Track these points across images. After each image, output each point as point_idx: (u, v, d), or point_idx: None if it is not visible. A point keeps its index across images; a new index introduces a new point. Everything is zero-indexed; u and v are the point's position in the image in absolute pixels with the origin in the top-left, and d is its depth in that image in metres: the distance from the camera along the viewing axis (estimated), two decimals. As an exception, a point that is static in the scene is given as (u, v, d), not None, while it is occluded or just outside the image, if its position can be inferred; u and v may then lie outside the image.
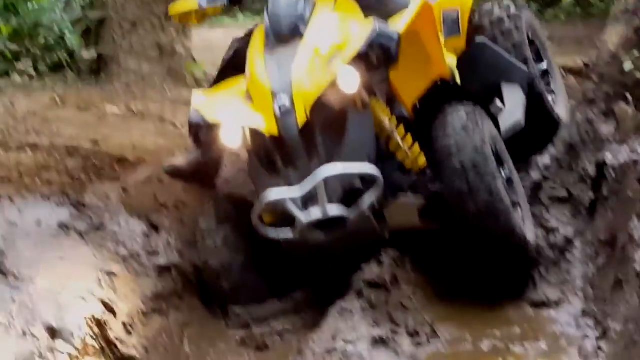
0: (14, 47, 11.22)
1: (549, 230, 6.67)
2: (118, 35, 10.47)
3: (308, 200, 5.44)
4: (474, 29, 7.14)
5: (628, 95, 7.03)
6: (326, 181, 5.38)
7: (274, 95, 5.51)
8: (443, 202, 5.80)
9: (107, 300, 5.14)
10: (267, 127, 5.50)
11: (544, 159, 7.18)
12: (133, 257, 5.86)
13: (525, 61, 7.04)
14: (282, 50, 5.74)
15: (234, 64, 6.32)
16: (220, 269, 5.98)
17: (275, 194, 5.45)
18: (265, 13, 5.98)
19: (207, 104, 5.79)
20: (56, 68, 11.18)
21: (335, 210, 5.43)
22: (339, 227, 5.49)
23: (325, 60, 5.58)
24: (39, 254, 5.30)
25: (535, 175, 7.06)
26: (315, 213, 5.41)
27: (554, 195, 6.93)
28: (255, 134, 5.58)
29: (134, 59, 10.47)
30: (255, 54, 5.88)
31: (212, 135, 5.65)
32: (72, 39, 11.54)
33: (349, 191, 5.52)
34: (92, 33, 11.11)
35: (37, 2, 13.10)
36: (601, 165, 6.51)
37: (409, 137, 5.89)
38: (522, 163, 7.03)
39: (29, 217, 5.72)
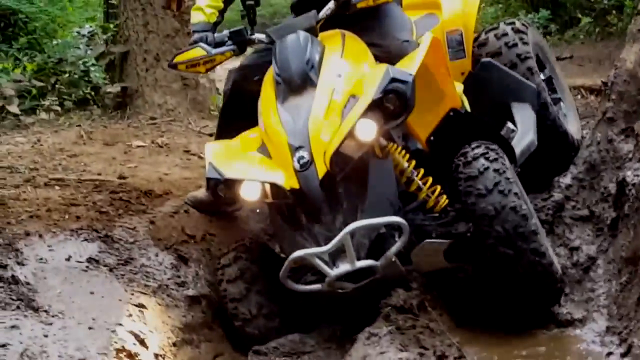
0: (39, 83, 11.27)
1: (572, 249, 6.69)
2: (141, 69, 10.54)
3: (336, 255, 5.32)
4: (479, 45, 7.17)
5: (648, 113, 7.06)
6: (353, 234, 5.26)
7: (292, 148, 5.46)
8: (469, 244, 5.76)
9: (137, 332, 5.16)
10: (287, 181, 5.43)
11: (566, 179, 7.20)
12: (162, 289, 5.87)
13: (535, 82, 7.00)
14: (295, 100, 5.69)
15: (235, 97, 6.39)
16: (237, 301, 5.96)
17: (303, 252, 5.32)
18: (273, 60, 5.94)
19: (223, 158, 5.76)
20: (81, 103, 11.24)
21: (363, 263, 5.32)
22: (367, 276, 5.40)
23: (339, 108, 5.56)
24: (69, 289, 5.32)
25: (557, 195, 7.09)
26: (344, 267, 5.30)
27: (576, 214, 6.94)
28: (275, 188, 5.53)
29: (158, 93, 10.51)
30: (268, 105, 5.84)
31: (231, 190, 5.62)
32: (97, 74, 11.62)
33: (375, 241, 5.45)
34: (115, 67, 11.17)
35: (61, 37, 13.21)
36: (622, 184, 6.51)
37: (429, 178, 5.88)
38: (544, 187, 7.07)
39: (58, 253, 5.69)
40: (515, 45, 7.09)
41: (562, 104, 7.49)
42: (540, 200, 6.94)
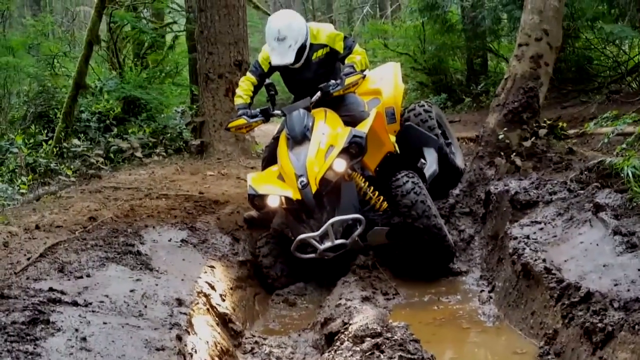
0: (152, 140, 11.32)
1: (460, 231, 6.77)
2: (212, 130, 10.60)
3: (323, 237, 5.69)
4: (404, 119, 7.21)
5: (501, 153, 7.11)
6: (332, 225, 5.65)
7: (297, 176, 5.75)
8: (401, 229, 5.96)
9: (210, 282, 5.16)
10: (295, 195, 5.75)
11: (456, 191, 7.25)
12: (224, 257, 5.91)
13: (436, 135, 7.08)
14: (299, 149, 5.93)
15: (269, 158, 6.49)
16: (268, 268, 6.19)
17: (304, 235, 5.73)
18: (285, 125, 6.18)
19: (257, 182, 6.05)
20: (177, 151, 11.28)
21: (338, 241, 5.68)
22: (341, 248, 5.75)
23: (323, 153, 5.80)
24: (170, 257, 5.34)
25: (451, 200, 7.15)
26: (327, 244, 5.68)
27: (462, 211, 7.06)
28: (288, 199, 5.81)
29: (221, 144, 10.52)
30: (283, 152, 6.06)
31: (262, 201, 5.95)
32: (186, 134, 11.67)
33: (345, 228, 5.78)
34: (197, 130, 11.21)
35: (166, 113, 13.23)
36: (488, 193, 6.60)
37: (376, 192, 6.08)
38: (443, 196, 7.18)
39: (164, 236, 5.78)
40: (425, 118, 7.20)
41: (452, 147, 7.59)
42: (441, 203, 7.09)
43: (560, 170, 6.55)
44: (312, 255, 5.81)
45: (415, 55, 16.54)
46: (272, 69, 6.48)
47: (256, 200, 5.98)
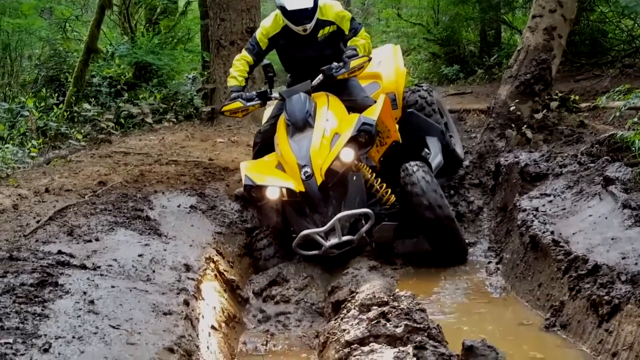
0: (163, 106, 11.32)
1: (469, 202, 6.75)
2: (223, 98, 10.51)
3: (328, 233, 5.25)
4: (405, 105, 6.89)
5: (512, 125, 7.08)
6: (339, 220, 5.20)
7: (299, 166, 5.35)
8: (411, 224, 5.72)
9: (217, 248, 5.17)
10: (297, 187, 5.34)
11: (465, 162, 7.22)
12: (232, 224, 5.86)
13: (436, 120, 6.81)
14: (300, 136, 5.56)
15: (262, 146, 6.06)
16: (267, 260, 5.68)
17: (308, 231, 5.27)
18: (285, 111, 5.81)
19: (253, 171, 5.63)
20: (188, 117, 11.29)
21: (345, 238, 5.25)
22: (347, 245, 5.32)
23: (328, 141, 5.45)
24: (179, 223, 5.33)
25: (461, 171, 7.12)
26: (333, 240, 5.23)
27: (471, 182, 7.04)
28: (290, 191, 5.42)
29: (232, 111, 10.55)
30: (282, 139, 5.67)
31: (260, 193, 5.52)
32: (197, 100, 11.65)
33: (352, 223, 5.36)
34: (208, 97, 11.18)
35: (177, 79, 13.22)
36: (498, 165, 6.58)
37: (383, 184, 5.73)
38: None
39: (173, 202, 5.76)
40: (424, 105, 6.91)
41: (453, 138, 7.17)
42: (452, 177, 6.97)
43: (571, 143, 6.53)
44: (316, 252, 5.35)
45: (429, 26, 16.47)
46: (270, 47, 6.14)
47: (253, 191, 5.56)
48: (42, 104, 10.46)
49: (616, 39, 12.23)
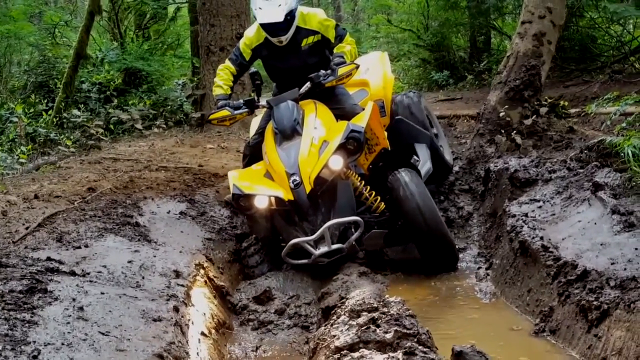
0: (153, 112, 11.31)
1: (459, 208, 6.76)
2: (212, 104, 10.50)
3: (318, 241, 5.22)
4: (393, 112, 6.75)
5: (502, 130, 7.11)
6: (329, 228, 5.17)
7: (288, 175, 5.31)
8: (401, 232, 5.69)
9: (207, 254, 5.16)
10: (286, 195, 5.29)
11: (455, 168, 7.24)
12: (222, 230, 5.86)
13: (425, 127, 6.68)
14: (288, 144, 5.51)
15: (251, 157, 6.01)
16: (257, 275, 5.50)
17: (297, 240, 5.23)
18: (272, 119, 5.76)
19: (241, 180, 5.57)
20: (178, 124, 11.31)
21: (335, 246, 5.22)
22: (337, 254, 5.28)
23: (317, 149, 5.41)
24: (169, 229, 5.33)
25: (451, 177, 7.14)
26: (323, 249, 5.20)
27: (461, 188, 7.06)
28: (278, 200, 5.36)
29: (222, 118, 10.56)
30: (270, 147, 5.63)
31: (249, 202, 5.43)
32: (187, 106, 11.67)
33: (342, 232, 5.33)
34: (198, 103, 11.19)
35: (167, 85, 13.22)
36: (487, 171, 6.60)
37: (372, 192, 5.70)
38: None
39: (162, 208, 5.76)
40: (413, 111, 6.78)
41: (442, 146, 7.04)
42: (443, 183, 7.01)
43: (561, 149, 6.56)
44: (306, 261, 5.29)
45: (419, 32, 16.48)
46: (254, 57, 6.10)
47: (242, 200, 5.48)
48: (31, 110, 10.44)
49: (605, 45, 12.28)
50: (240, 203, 5.50)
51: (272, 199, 5.40)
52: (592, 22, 12.19)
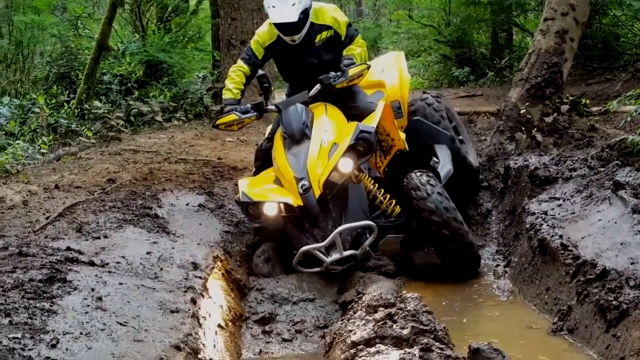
0: (173, 104, 11.32)
1: (478, 205, 6.74)
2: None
3: (329, 248, 4.96)
4: (411, 112, 6.56)
5: (522, 128, 7.06)
6: (340, 234, 4.92)
7: (297, 180, 5.10)
8: (415, 236, 5.54)
9: (225, 247, 5.17)
10: (295, 201, 5.08)
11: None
12: (240, 223, 5.86)
13: (446, 128, 6.47)
14: (297, 148, 5.30)
15: (263, 162, 5.77)
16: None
17: (308, 247, 4.97)
18: (281, 122, 5.56)
19: (250, 188, 5.38)
20: (198, 116, 11.28)
21: (347, 253, 4.97)
22: (350, 260, 5.05)
23: (326, 152, 5.21)
24: (187, 221, 5.35)
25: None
26: (335, 256, 4.95)
27: (481, 185, 6.98)
28: (287, 206, 5.14)
29: (242, 110, 10.57)
30: (279, 152, 5.41)
31: (257, 210, 5.25)
32: (207, 99, 11.66)
33: (354, 237, 5.10)
34: (218, 95, 11.19)
35: (187, 78, 13.25)
36: (507, 168, 6.56)
37: (387, 195, 5.54)
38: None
39: (181, 200, 5.79)
40: (432, 112, 6.54)
41: (464, 144, 6.92)
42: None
43: (581, 147, 6.51)
44: (318, 269, 5.05)
45: (440, 28, 16.42)
46: (267, 56, 5.90)
47: (251, 208, 5.30)
48: (53, 101, 10.48)
49: (629, 43, 12.17)
50: (249, 211, 5.36)
51: (281, 205, 5.22)
52: (616, 20, 12.09)
